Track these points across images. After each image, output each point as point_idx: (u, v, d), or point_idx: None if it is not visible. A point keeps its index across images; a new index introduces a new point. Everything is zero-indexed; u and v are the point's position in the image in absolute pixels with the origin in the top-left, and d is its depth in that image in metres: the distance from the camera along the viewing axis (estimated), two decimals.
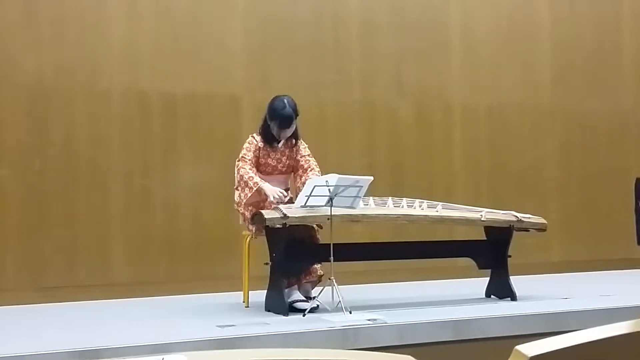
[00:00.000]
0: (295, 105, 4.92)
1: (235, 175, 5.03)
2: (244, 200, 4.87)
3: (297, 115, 4.93)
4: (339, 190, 4.42)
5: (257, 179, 4.81)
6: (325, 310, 4.46)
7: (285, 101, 4.90)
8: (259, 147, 4.97)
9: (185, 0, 6.31)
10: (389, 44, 6.97)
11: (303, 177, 4.95)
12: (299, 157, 5.05)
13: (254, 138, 5.00)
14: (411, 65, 7.04)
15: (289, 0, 6.70)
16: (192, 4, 6.32)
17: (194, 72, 6.29)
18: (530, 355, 1.24)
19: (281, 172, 5.06)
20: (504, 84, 7.39)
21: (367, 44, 6.90)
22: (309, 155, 5.07)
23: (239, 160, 4.94)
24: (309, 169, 4.99)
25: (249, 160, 4.91)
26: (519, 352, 1.26)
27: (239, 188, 4.95)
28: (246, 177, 4.83)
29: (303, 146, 5.08)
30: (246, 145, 4.98)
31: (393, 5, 7.01)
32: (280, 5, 6.65)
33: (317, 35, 6.73)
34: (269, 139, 4.98)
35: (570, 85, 7.67)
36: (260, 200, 4.83)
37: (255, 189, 4.77)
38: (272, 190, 4.74)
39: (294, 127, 4.96)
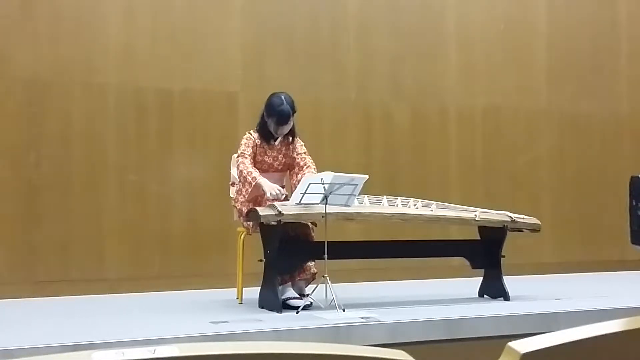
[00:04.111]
0: (292, 101, 4.94)
1: (234, 171, 5.05)
2: (246, 197, 4.86)
3: (294, 111, 4.94)
4: (334, 188, 4.43)
5: (255, 173, 4.82)
6: (319, 308, 4.47)
7: (283, 97, 4.92)
8: (256, 144, 4.98)
9: None
10: (386, 45, 6.98)
11: (299, 175, 4.96)
12: (295, 155, 5.06)
13: (251, 135, 5.01)
14: (407, 66, 7.05)
15: (287, 0, 6.70)
16: (190, 1, 6.32)
17: (191, 70, 6.29)
18: (522, 352, 1.24)
19: (277, 170, 5.07)
20: (500, 86, 7.40)
21: (364, 44, 6.91)
22: (305, 153, 5.07)
23: (238, 157, 4.95)
24: (305, 167, 5.00)
25: (249, 155, 4.93)
26: (511, 348, 1.26)
27: (239, 184, 4.95)
28: (245, 172, 4.84)
29: (300, 144, 5.09)
30: (244, 141, 4.98)
31: (390, 7, 7.01)
32: (278, 4, 6.65)
33: (314, 35, 6.73)
34: (267, 136, 4.99)
35: (565, 88, 7.68)
36: (259, 195, 4.83)
37: (253, 184, 4.78)
38: (270, 187, 4.74)
39: (292, 123, 4.97)
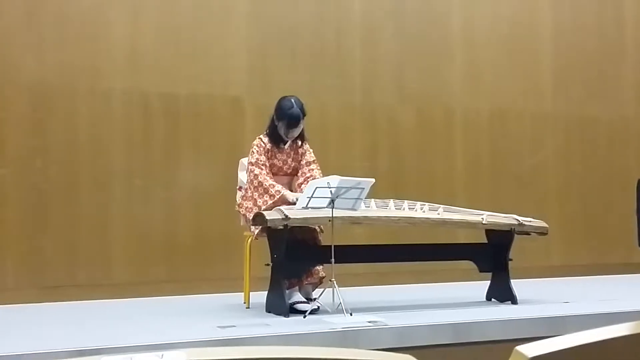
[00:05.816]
0: (302, 105, 4.94)
1: (242, 175, 5.04)
2: (263, 207, 4.81)
3: (304, 114, 4.94)
4: (341, 192, 4.42)
5: (278, 187, 4.80)
6: (326, 312, 4.46)
7: (293, 100, 4.92)
8: (267, 149, 4.98)
9: (188, 2, 6.33)
10: (391, 48, 6.98)
11: (302, 186, 4.92)
12: (303, 163, 5.05)
13: (261, 140, 4.99)
14: (413, 69, 7.05)
15: (292, 4, 6.71)
16: (195, 6, 6.34)
17: (196, 74, 6.30)
18: (530, 356, 1.23)
19: (286, 174, 5.06)
20: (505, 89, 7.40)
21: (369, 48, 6.91)
22: (314, 161, 5.06)
23: (253, 165, 4.90)
24: (311, 179, 4.95)
25: (263, 164, 4.91)
26: (519, 352, 1.25)
27: (250, 191, 4.90)
28: (266, 184, 4.80)
29: (309, 151, 5.07)
30: (255, 148, 4.95)
31: (395, 11, 7.02)
32: (283, 8, 6.66)
33: (319, 38, 6.74)
34: (277, 139, 4.99)
35: (571, 90, 7.68)
36: (273, 206, 4.80)
37: (277, 197, 4.75)
38: (294, 195, 4.73)
39: (302, 126, 4.97)
